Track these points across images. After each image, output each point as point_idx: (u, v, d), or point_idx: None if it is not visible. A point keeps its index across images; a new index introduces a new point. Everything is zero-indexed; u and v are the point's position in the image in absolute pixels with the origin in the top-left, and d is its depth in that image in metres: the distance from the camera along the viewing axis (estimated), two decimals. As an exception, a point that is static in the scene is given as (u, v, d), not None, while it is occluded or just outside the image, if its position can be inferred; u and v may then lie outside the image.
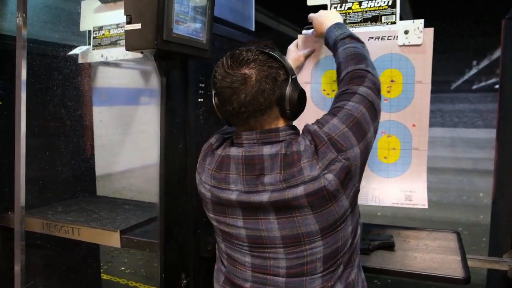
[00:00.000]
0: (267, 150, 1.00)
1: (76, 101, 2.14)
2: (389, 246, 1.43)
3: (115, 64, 2.07)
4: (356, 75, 1.10)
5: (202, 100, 1.56)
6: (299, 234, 0.99)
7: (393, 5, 1.51)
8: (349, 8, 1.58)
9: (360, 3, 1.55)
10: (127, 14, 1.19)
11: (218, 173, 1.06)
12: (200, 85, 1.56)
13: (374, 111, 1.06)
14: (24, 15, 1.46)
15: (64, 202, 2.11)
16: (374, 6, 1.54)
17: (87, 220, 1.81)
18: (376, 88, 1.09)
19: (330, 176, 0.95)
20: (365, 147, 1.01)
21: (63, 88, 2.05)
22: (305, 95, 1.06)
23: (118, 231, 1.66)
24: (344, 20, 1.51)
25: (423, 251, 1.43)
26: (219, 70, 1.00)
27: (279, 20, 3.89)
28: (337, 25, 1.31)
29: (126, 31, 1.20)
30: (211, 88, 1.06)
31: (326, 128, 0.99)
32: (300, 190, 0.95)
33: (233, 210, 1.05)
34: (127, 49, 1.22)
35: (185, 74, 1.48)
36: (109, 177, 2.59)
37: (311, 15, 1.44)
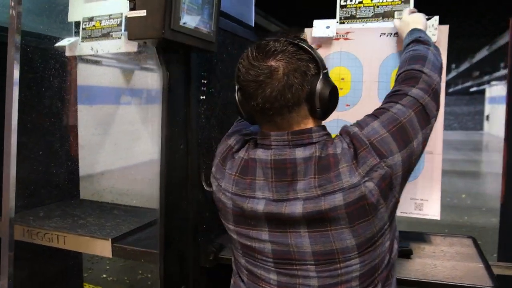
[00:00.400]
0: (300, 153, 0.89)
1: (60, 99, 1.99)
2: (407, 254, 1.36)
3: (95, 62, 1.94)
4: (409, 75, 1.02)
5: (204, 97, 1.45)
6: (333, 250, 0.89)
7: (407, 0, 1.44)
8: (360, 2, 1.50)
9: (372, -3, 1.48)
10: (130, -1, 1.07)
11: (242, 179, 0.95)
12: (202, 81, 1.45)
13: (425, 116, 0.96)
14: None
15: (46, 206, 1.97)
16: (386, 1, 1.47)
17: (73, 227, 1.68)
18: (432, 90, 0.99)
19: (371, 185, 0.86)
20: (409, 156, 0.91)
21: (48, 82, 1.90)
22: (337, 92, 0.96)
23: (110, 239, 1.54)
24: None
25: (442, 258, 1.36)
26: (243, 62, 0.90)
27: (271, 19, 3.83)
28: (411, 31, 1.24)
29: (129, 18, 1.08)
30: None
31: (365, 131, 0.91)
32: (338, 200, 0.86)
33: (258, 221, 0.94)
34: (130, 38, 1.11)
35: (187, 69, 1.37)
36: (89, 178, 2.45)
37: (396, 22, 1.39)
